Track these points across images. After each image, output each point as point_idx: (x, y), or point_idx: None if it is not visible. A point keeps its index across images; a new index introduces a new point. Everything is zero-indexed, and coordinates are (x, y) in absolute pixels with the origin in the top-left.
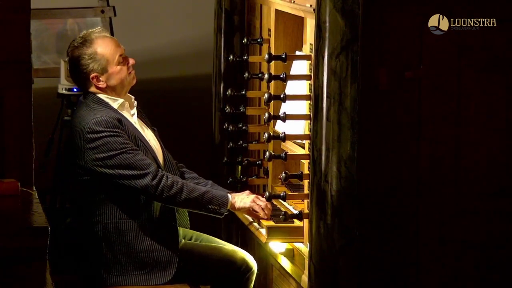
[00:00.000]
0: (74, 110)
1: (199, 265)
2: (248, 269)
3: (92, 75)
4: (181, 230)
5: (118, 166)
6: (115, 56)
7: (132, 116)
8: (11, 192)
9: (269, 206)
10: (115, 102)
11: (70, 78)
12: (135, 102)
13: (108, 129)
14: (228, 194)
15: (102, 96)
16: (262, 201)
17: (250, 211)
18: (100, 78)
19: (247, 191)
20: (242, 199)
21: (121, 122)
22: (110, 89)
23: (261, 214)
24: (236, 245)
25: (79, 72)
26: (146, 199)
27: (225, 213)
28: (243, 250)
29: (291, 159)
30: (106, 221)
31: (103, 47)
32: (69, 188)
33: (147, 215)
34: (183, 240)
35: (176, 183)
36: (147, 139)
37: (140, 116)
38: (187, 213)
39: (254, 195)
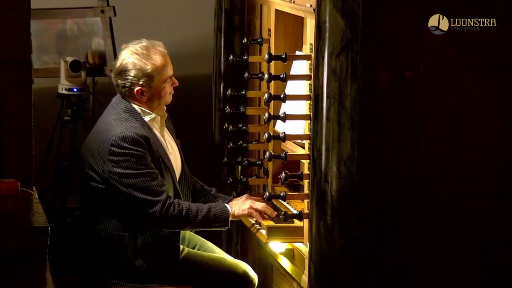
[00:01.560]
0: (104, 111)
1: (202, 275)
2: (250, 281)
3: (138, 88)
4: (187, 235)
5: (132, 186)
6: (166, 77)
7: (160, 130)
8: (11, 192)
9: (268, 208)
10: (147, 115)
11: (71, 78)
12: (166, 115)
13: (133, 147)
14: (227, 206)
15: (136, 106)
16: (259, 205)
17: (250, 215)
18: (144, 93)
19: (245, 196)
20: (239, 207)
21: (148, 140)
22: (147, 103)
23: (260, 220)
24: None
25: (126, 79)
26: None
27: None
28: (245, 263)
29: (291, 159)
30: (110, 231)
31: (159, 65)
32: (79, 186)
33: (152, 232)
34: (186, 248)
35: (181, 211)
36: (169, 156)
37: (168, 126)
38: None
39: (250, 200)
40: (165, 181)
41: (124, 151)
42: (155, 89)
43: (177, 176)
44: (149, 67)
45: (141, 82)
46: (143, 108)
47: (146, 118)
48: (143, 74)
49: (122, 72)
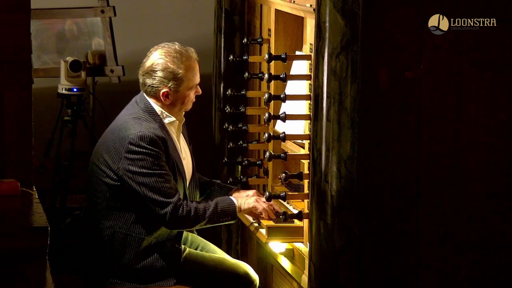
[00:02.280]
0: (124, 108)
1: (203, 275)
2: (251, 282)
3: (164, 90)
4: (189, 236)
5: (146, 186)
6: (193, 84)
7: (177, 134)
8: (11, 192)
9: (271, 207)
10: (166, 118)
11: (71, 78)
12: (184, 120)
13: (150, 147)
14: (233, 199)
15: (157, 107)
16: (264, 203)
17: (253, 211)
18: (169, 96)
19: (253, 191)
20: (245, 201)
21: (165, 142)
22: (168, 106)
23: (264, 214)
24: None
25: (154, 79)
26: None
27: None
28: (246, 264)
29: (291, 159)
30: (116, 229)
31: (190, 72)
32: (89, 180)
33: (157, 234)
34: (188, 249)
35: (189, 212)
36: (182, 160)
37: (183, 131)
38: None
39: (257, 197)
40: (177, 184)
41: (141, 149)
42: (181, 94)
43: (188, 182)
44: (181, 72)
45: (169, 85)
46: (163, 110)
47: (165, 121)
48: (174, 77)
49: (152, 71)
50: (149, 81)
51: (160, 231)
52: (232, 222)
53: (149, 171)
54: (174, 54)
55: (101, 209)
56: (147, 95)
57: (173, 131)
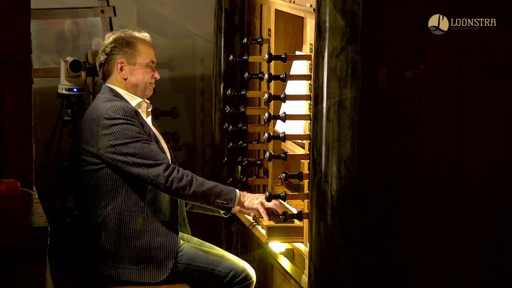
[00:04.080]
0: (92, 102)
1: (201, 270)
2: (248, 278)
3: (120, 60)
4: (185, 236)
5: (132, 154)
6: (148, 58)
7: (147, 117)
8: (11, 192)
9: (278, 206)
10: (133, 100)
11: (71, 78)
12: (151, 106)
13: (125, 117)
14: (236, 190)
15: (122, 92)
16: (269, 203)
17: (254, 212)
18: (125, 68)
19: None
20: (250, 200)
21: (138, 114)
22: (127, 86)
23: (265, 218)
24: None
25: (108, 52)
26: (152, 196)
27: (233, 209)
28: (244, 261)
29: (291, 159)
30: (109, 211)
31: (142, 44)
32: (74, 178)
33: (152, 212)
34: (185, 244)
35: (186, 175)
36: (160, 141)
37: (154, 123)
38: (187, 224)
39: (263, 198)
40: None
41: (117, 121)
42: (136, 69)
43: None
44: (133, 40)
45: (123, 51)
46: (128, 93)
47: (133, 103)
48: (127, 44)
49: (106, 48)
50: (105, 57)
51: (153, 206)
52: (225, 214)
53: (131, 139)
54: (125, 31)
55: (89, 202)
56: (106, 79)
57: (142, 114)
